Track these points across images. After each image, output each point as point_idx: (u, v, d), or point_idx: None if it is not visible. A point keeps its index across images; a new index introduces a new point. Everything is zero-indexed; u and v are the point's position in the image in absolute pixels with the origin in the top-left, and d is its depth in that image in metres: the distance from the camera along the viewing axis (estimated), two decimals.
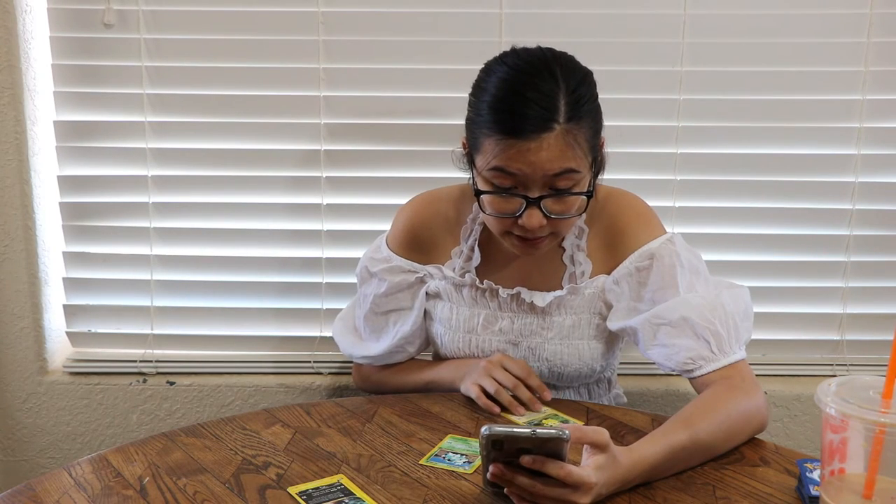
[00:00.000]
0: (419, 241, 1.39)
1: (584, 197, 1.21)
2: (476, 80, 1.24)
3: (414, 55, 1.69)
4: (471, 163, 1.26)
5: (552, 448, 0.91)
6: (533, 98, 1.15)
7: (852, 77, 1.68)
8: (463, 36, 1.67)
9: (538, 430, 0.89)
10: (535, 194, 1.18)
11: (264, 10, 1.68)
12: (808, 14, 1.67)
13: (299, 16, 1.68)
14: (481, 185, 1.22)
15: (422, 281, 1.38)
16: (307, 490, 1.02)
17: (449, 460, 1.09)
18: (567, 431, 0.90)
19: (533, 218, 1.18)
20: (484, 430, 0.91)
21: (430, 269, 1.38)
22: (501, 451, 0.93)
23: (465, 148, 1.28)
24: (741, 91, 1.69)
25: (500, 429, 0.91)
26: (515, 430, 0.91)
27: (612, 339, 1.35)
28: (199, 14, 1.69)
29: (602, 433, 0.96)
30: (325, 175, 1.74)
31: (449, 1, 1.67)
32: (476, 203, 1.36)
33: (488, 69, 1.23)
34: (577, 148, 1.17)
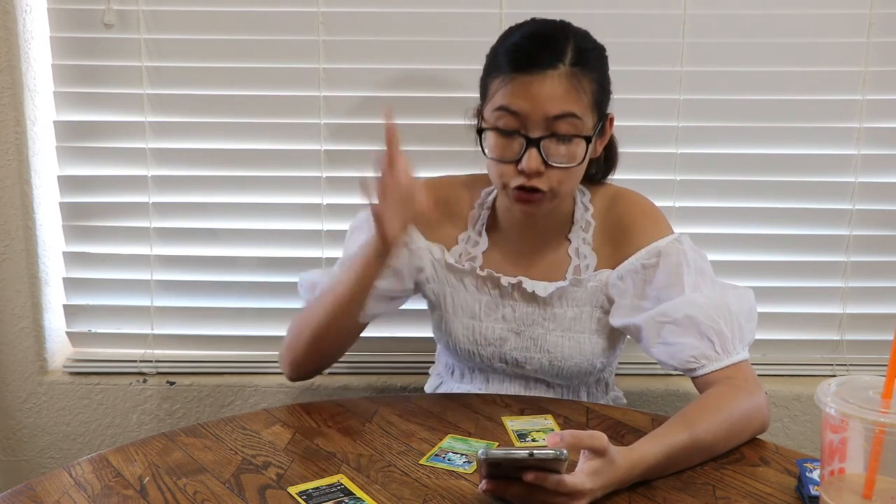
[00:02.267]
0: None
1: (585, 147, 1.22)
2: (497, 40, 1.30)
3: (414, 55, 1.69)
4: (479, 117, 1.29)
5: (550, 465, 0.91)
6: (543, 42, 1.22)
7: (852, 77, 1.68)
8: (463, 36, 1.68)
9: (536, 452, 0.90)
10: (535, 135, 1.20)
11: (264, 10, 1.68)
12: (808, 14, 1.67)
13: (299, 16, 1.68)
14: (485, 127, 1.25)
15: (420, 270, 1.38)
16: (307, 490, 1.02)
17: (449, 460, 1.10)
18: (565, 451, 0.90)
19: (532, 160, 1.20)
20: (480, 453, 0.91)
21: (434, 248, 1.37)
22: (499, 468, 0.93)
23: (476, 112, 1.31)
24: (741, 91, 1.69)
25: (497, 452, 0.91)
26: (513, 452, 0.91)
27: (613, 336, 1.35)
28: (199, 14, 1.69)
29: (600, 438, 0.96)
30: (325, 175, 1.74)
31: (449, 1, 1.68)
32: (486, 189, 1.39)
33: (510, 28, 1.30)
34: (581, 93, 1.21)
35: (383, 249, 1.23)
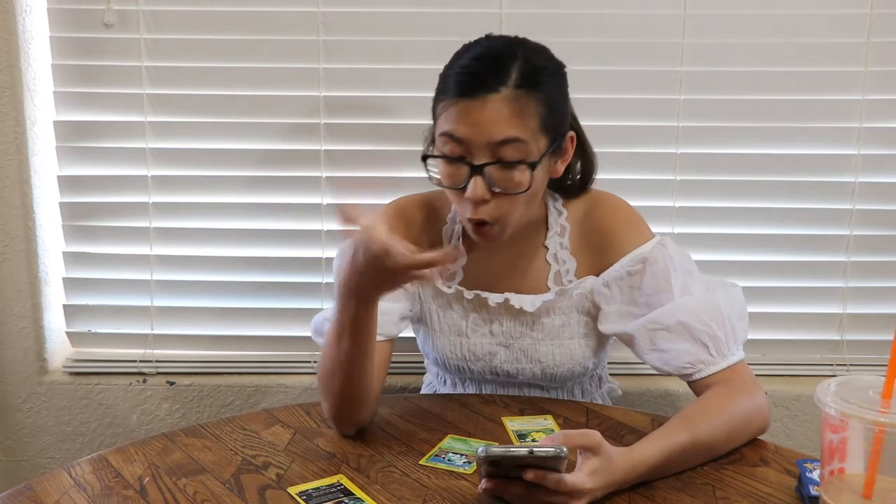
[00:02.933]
0: (405, 235, 1.33)
1: (531, 174, 1.17)
2: (448, 62, 1.25)
3: (414, 55, 1.69)
4: (431, 142, 1.25)
5: (550, 463, 0.91)
6: (489, 64, 1.17)
7: (852, 77, 1.68)
8: (463, 36, 1.66)
9: (535, 450, 0.90)
10: (479, 161, 1.16)
11: (264, 10, 1.68)
12: (808, 14, 1.67)
13: (299, 16, 1.68)
14: (433, 153, 1.21)
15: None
16: (307, 490, 1.02)
17: (449, 460, 1.09)
18: (565, 449, 0.90)
19: (477, 188, 1.16)
20: (480, 451, 0.91)
21: None
22: (499, 467, 0.93)
23: (428, 138, 1.28)
24: (741, 91, 1.69)
25: (497, 450, 0.91)
26: (512, 450, 0.91)
27: (602, 337, 1.34)
28: (199, 14, 1.69)
29: (592, 436, 0.96)
30: (325, 175, 1.74)
31: (449, 1, 1.68)
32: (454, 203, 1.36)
33: (462, 49, 1.24)
34: (525, 117, 1.16)
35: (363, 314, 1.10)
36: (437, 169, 1.22)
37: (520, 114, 1.15)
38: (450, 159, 1.18)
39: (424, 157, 1.22)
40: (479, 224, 1.21)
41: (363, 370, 1.14)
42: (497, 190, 1.17)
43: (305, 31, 1.69)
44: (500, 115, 1.14)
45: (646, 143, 1.71)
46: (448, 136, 1.17)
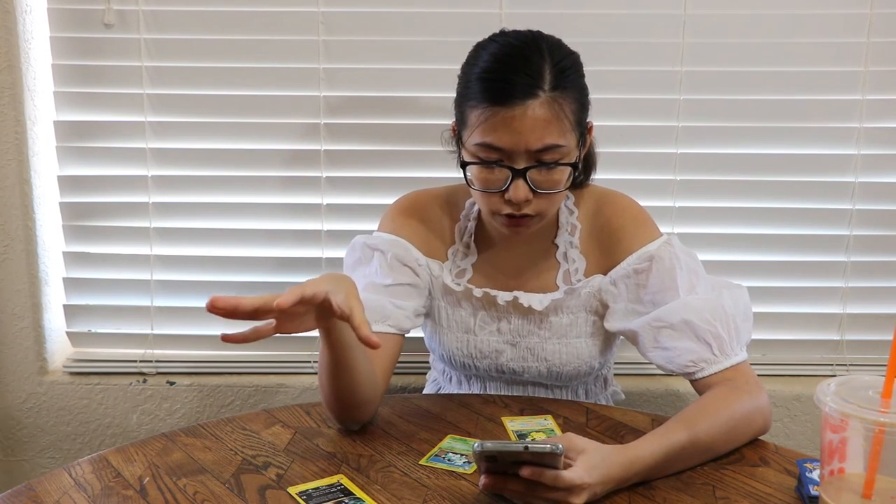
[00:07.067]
0: (416, 230, 1.35)
1: (571, 170, 1.20)
2: (466, 58, 1.25)
3: (414, 55, 1.69)
4: (458, 141, 1.25)
5: (546, 460, 0.92)
6: (519, 67, 1.16)
7: (852, 77, 1.68)
8: (463, 36, 1.66)
9: (530, 446, 0.90)
10: (520, 166, 1.17)
11: (264, 10, 1.68)
12: (808, 14, 1.67)
13: (299, 16, 1.68)
14: (467, 159, 1.21)
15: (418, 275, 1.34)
16: (307, 490, 1.02)
17: (449, 460, 1.10)
18: (560, 446, 0.90)
19: (519, 190, 1.17)
20: (476, 446, 0.91)
21: (433, 264, 1.35)
22: (495, 462, 0.94)
23: (453, 132, 1.28)
24: (741, 91, 1.69)
25: (492, 445, 0.92)
26: (508, 446, 0.92)
27: (608, 337, 1.35)
28: (199, 14, 1.69)
29: (567, 439, 0.98)
30: (325, 175, 1.74)
31: (449, 1, 1.68)
32: (469, 200, 1.37)
33: (479, 46, 1.24)
34: (562, 119, 1.17)
35: (322, 327, 1.10)
36: (470, 172, 1.22)
37: (557, 117, 1.16)
38: (487, 164, 1.19)
39: (464, 165, 1.22)
40: (519, 217, 1.21)
41: (346, 377, 1.13)
42: (538, 190, 1.19)
43: (305, 31, 1.69)
44: (539, 122, 1.15)
45: (646, 143, 1.71)
46: (486, 146, 1.17)
